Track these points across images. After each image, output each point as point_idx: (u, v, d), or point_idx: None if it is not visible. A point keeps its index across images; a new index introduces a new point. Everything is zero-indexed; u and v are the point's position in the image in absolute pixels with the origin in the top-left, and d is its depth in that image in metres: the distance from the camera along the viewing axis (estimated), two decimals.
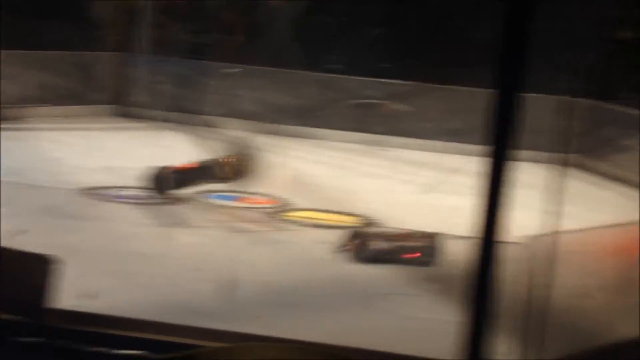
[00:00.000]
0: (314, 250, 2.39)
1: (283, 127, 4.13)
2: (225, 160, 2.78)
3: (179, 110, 4.13)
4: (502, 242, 1.68)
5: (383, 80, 4.18)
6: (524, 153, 3.46)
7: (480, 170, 1.65)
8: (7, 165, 3.11)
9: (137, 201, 2.87)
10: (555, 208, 1.69)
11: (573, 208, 3.24)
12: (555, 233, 1.67)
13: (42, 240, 2.14)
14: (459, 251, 1.91)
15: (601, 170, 3.94)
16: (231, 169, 2.77)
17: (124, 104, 4.33)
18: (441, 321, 1.93)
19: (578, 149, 4.09)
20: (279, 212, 2.88)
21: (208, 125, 4.16)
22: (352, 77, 4.24)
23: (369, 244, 2.35)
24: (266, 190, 3.02)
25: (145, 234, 2.34)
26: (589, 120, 4.09)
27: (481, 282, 1.69)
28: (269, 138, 4.08)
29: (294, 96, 4.24)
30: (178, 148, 3.57)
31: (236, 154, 2.79)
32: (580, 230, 1.88)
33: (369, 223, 2.80)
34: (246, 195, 3.04)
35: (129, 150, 3.64)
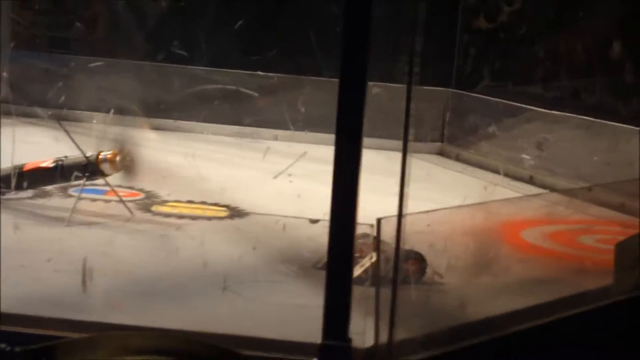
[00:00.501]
0: (177, 241, 2.41)
1: (152, 120, 4.13)
2: (106, 155, 2.73)
3: (43, 105, 4.08)
4: (354, 224, 1.73)
5: (251, 72, 4.22)
6: (380, 141, 3.58)
7: (334, 151, 1.70)
8: None
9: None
10: (406, 192, 1.74)
11: (434, 194, 3.36)
12: (405, 215, 1.73)
13: None
14: (317, 235, 1.96)
15: (465, 158, 4.07)
16: (111, 164, 2.73)
17: None
18: (301, 305, 1.98)
19: (442, 137, 4.22)
20: (146, 204, 2.88)
21: (75, 120, 4.13)
22: (221, 70, 4.26)
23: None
24: (135, 183, 3.01)
25: (16, 226, 2.31)
26: (452, 109, 4.23)
27: (337, 264, 1.74)
28: (138, 131, 4.08)
29: (162, 89, 4.24)
30: (44, 143, 3.52)
31: (116, 149, 2.75)
32: (431, 211, 1.94)
33: (236, 213, 2.83)
34: (113, 189, 3.02)
35: None
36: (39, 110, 3.98)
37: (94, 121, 4.18)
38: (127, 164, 2.71)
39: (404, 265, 1.91)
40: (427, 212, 1.92)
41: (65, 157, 2.81)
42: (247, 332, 1.80)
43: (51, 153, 3.24)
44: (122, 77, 4.23)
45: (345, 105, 1.72)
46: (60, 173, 2.78)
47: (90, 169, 2.73)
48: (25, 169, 2.82)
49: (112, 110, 2.77)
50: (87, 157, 2.71)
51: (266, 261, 2.22)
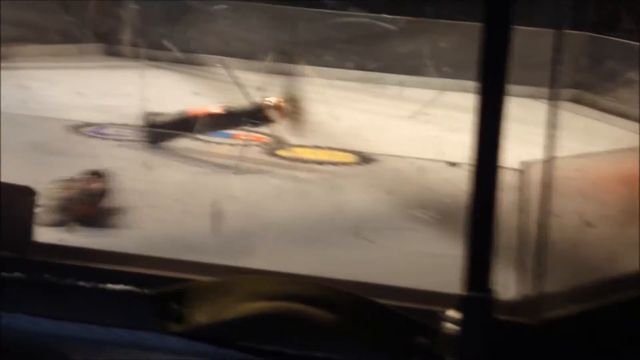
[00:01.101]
0: (306, 186, 2.34)
1: (277, 65, 4.06)
2: (273, 102, 2.67)
3: (169, 49, 4.07)
4: (499, 169, 1.62)
5: (377, 15, 4.10)
6: (520, 88, 3.44)
7: (475, 105, 1.60)
8: None
9: (126, 138, 2.82)
10: (551, 140, 1.63)
11: (572, 143, 3.19)
12: (552, 159, 1.61)
13: (27, 176, 2.08)
14: (455, 179, 1.85)
15: (602, 105, 3.89)
16: (278, 111, 2.66)
17: (112, 42, 4.25)
18: (439, 255, 1.89)
19: (578, 84, 4.04)
20: (273, 149, 2.83)
21: (202, 64, 4.12)
22: (346, 12, 4.16)
23: None
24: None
25: (132, 170, 2.27)
26: (589, 54, 4.04)
27: (481, 212, 1.64)
28: (264, 77, 4.03)
29: (286, 33, 4.16)
30: (171, 86, 3.53)
31: (284, 96, 2.69)
32: (579, 156, 1.82)
33: (364, 158, 2.75)
34: (239, 132, 2.98)
35: (119, 89, 3.58)
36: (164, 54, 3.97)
37: (217, 65, 4.15)
38: (294, 111, 2.65)
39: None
40: (576, 156, 1.80)
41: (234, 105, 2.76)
42: (381, 281, 1.72)
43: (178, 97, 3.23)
44: (245, 20, 4.18)
45: (490, 51, 1.61)
46: (230, 119, 2.73)
47: (258, 115, 2.68)
48: (191, 114, 2.78)
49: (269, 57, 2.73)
50: (255, 104, 2.66)
51: (401, 207, 2.13)
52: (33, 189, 1.68)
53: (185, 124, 2.72)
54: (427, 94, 3.75)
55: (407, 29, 4.13)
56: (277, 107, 2.66)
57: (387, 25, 4.00)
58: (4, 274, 1.67)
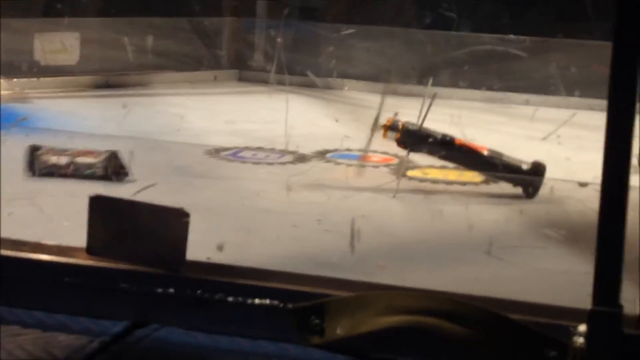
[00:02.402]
0: (436, 205, 2.41)
1: (402, 86, 4.14)
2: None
3: (298, 73, 4.19)
4: (628, 188, 1.67)
5: (502, 35, 4.14)
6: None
7: (605, 124, 1.64)
8: (133, 129, 3.22)
9: (263, 161, 2.94)
10: None
11: None
12: None
13: (172, 198, 2.21)
14: (585, 199, 1.90)
15: None
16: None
17: (244, 68, 4.41)
18: (568, 271, 1.93)
19: None
20: (400, 169, 2.90)
21: (330, 87, 4.22)
22: (470, 34, 4.21)
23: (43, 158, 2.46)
24: (387, 148, 3.04)
25: (271, 191, 2.38)
26: None
27: (610, 229, 1.69)
28: (389, 98, 4.11)
29: (411, 55, 4.24)
30: (301, 110, 3.63)
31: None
32: None
33: (491, 178, 2.79)
34: (367, 153, 3.07)
35: (252, 113, 3.71)
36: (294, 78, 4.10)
37: (346, 88, 4.27)
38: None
39: None
40: None
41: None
42: (512, 296, 1.78)
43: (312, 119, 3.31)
44: (373, 44, 4.27)
45: (619, 69, 1.65)
46: (494, 166, 2.66)
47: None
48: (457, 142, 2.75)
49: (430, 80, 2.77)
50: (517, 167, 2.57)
51: (532, 225, 2.18)
52: (186, 211, 1.80)
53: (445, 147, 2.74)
54: (556, 113, 3.76)
55: (534, 49, 4.15)
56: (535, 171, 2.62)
57: (515, 51, 4.02)
58: (159, 289, 1.80)
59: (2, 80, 3.78)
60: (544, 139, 2.61)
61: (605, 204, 1.68)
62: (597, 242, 1.67)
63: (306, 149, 3.11)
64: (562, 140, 2.76)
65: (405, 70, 4.23)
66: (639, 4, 1.63)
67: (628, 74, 1.66)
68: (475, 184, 2.78)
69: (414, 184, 2.74)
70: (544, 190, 2.21)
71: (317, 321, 1.77)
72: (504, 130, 3.39)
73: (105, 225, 1.84)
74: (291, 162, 2.95)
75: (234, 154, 3.02)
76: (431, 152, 2.71)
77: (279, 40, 4.13)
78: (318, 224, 2.13)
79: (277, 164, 2.92)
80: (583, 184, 2.02)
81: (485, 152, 2.70)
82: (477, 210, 2.38)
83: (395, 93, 4.15)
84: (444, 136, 2.73)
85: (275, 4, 4.44)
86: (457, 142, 2.76)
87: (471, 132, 3.02)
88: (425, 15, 4.17)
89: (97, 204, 1.85)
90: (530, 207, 2.28)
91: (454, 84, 4.23)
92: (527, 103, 4.11)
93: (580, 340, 1.67)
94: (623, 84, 1.67)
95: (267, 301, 1.79)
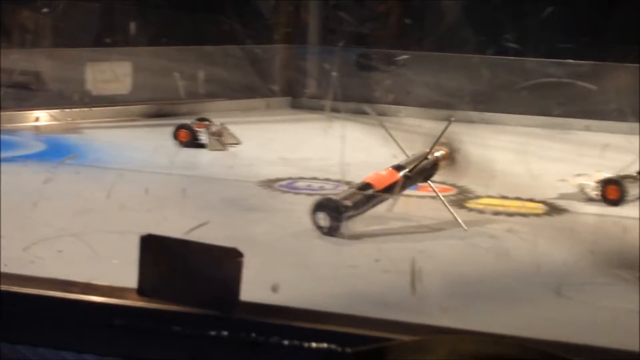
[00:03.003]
0: (499, 240, 2.32)
1: (458, 112, 4.07)
2: (441, 153, 2.64)
3: (352, 99, 4.13)
4: None
5: (559, 60, 4.05)
6: None
7: None
8: (185, 160, 3.19)
9: (317, 192, 2.88)
10: None
11: None
12: None
13: (225, 233, 2.16)
14: None
15: None
16: (447, 163, 2.64)
17: (296, 95, 4.36)
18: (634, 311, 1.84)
19: None
20: (460, 200, 2.82)
21: (382, 114, 4.16)
22: (527, 59, 4.13)
23: None
24: (445, 178, 2.96)
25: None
26: None
27: None
28: (438, 124, 4.04)
29: (467, 81, 4.16)
30: (356, 138, 3.57)
31: (444, 145, 2.67)
32: None
33: (554, 209, 2.71)
34: (425, 184, 2.99)
35: (306, 142, 3.65)
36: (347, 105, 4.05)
37: (401, 114, 4.19)
38: (454, 159, 2.63)
39: None
40: None
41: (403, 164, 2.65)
42: (582, 339, 1.69)
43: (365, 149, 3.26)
44: (428, 70, 4.21)
45: None
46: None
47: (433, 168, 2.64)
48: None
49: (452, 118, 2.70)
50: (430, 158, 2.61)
51: (602, 265, 2.09)
52: (239, 251, 1.74)
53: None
54: (614, 138, 3.66)
55: (592, 73, 4.06)
56: (445, 158, 2.64)
57: (585, 85, 3.93)
58: (212, 332, 1.74)
59: (54, 112, 3.77)
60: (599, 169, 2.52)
61: None
62: None
63: (361, 178, 3.03)
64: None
65: (460, 96, 4.15)
66: None
67: None
68: (537, 215, 2.69)
69: (474, 216, 2.66)
70: (613, 228, 2.12)
71: None
72: (562, 157, 3.29)
73: (157, 265, 1.79)
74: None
75: (288, 185, 2.96)
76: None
77: (330, 68, 4.09)
78: (376, 261, 2.06)
79: (331, 194, 2.85)
80: None
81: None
82: (542, 246, 2.29)
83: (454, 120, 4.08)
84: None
85: (328, 30, 4.40)
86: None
87: (517, 160, 2.95)
88: (481, 41, 4.10)
89: (148, 244, 1.79)
90: (600, 244, 2.18)
91: (516, 110, 4.14)
92: (587, 129, 4.00)
93: None
94: None
95: (325, 345, 1.73)
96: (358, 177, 2.98)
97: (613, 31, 4.00)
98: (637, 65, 3.90)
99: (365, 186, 2.54)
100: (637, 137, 3.57)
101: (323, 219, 2.34)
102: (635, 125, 3.82)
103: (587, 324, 1.81)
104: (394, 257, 2.04)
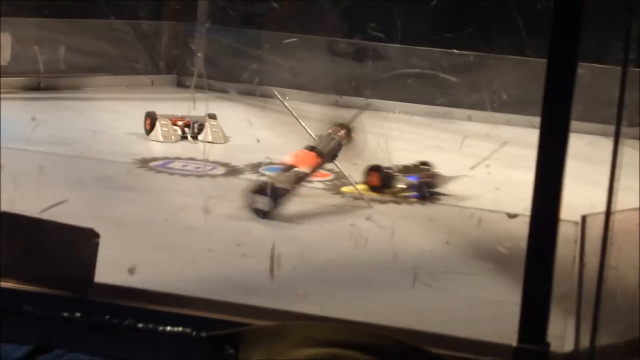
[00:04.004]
0: (365, 226, 2.34)
1: (342, 98, 4.09)
2: (334, 133, 2.66)
3: (237, 80, 4.12)
4: (559, 220, 1.61)
5: (440, 50, 4.10)
6: (584, 125, 3.38)
7: (538, 143, 1.59)
8: (61, 135, 3.12)
9: (192, 173, 2.85)
10: (614, 184, 1.61)
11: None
12: (614, 212, 1.59)
13: (88, 212, 2.12)
14: (515, 229, 1.84)
15: None
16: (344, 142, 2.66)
17: (182, 73, 4.31)
18: (495, 301, 1.87)
19: None
20: (335, 186, 2.83)
21: (267, 96, 4.15)
22: (416, 48, 4.16)
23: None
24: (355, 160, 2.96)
25: (196, 207, 2.29)
26: None
27: (539, 262, 1.64)
28: (328, 109, 4.05)
29: (351, 67, 4.18)
30: (241, 119, 3.55)
31: (343, 127, 2.69)
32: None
33: (428, 199, 2.74)
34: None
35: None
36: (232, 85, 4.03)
37: (287, 98, 4.18)
38: (350, 142, 2.66)
39: None
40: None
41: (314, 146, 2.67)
42: (436, 329, 1.71)
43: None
44: (313, 54, 4.21)
45: (553, 90, 1.59)
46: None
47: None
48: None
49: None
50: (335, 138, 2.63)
51: (459, 255, 2.12)
52: (96, 232, 1.71)
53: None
54: (496, 129, 3.73)
55: (475, 64, 4.12)
56: (345, 138, 2.67)
57: (448, 77, 3.99)
58: (65, 313, 1.71)
59: None
60: (472, 168, 2.57)
61: (534, 237, 1.63)
62: (524, 277, 1.62)
63: (241, 160, 3.02)
64: (493, 162, 2.71)
65: (346, 81, 4.16)
66: (574, 21, 1.58)
67: (562, 97, 1.60)
68: (411, 203, 2.71)
69: (348, 202, 2.67)
70: (472, 220, 2.15)
71: (231, 351, 1.69)
72: (440, 146, 3.33)
73: (10, 243, 1.75)
74: (223, 175, 2.86)
75: (164, 165, 2.92)
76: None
77: (197, 48, 4.06)
78: (239, 246, 2.04)
79: (208, 176, 2.83)
80: (512, 216, 1.97)
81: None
82: (406, 234, 2.31)
83: (336, 104, 4.10)
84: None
85: (218, 9, 4.36)
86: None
87: (399, 148, 2.98)
88: (369, 27, 4.11)
89: (3, 221, 1.75)
90: (458, 235, 2.22)
91: (397, 97, 4.18)
92: (469, 119, 4.06)
93: None
94: (555, 109, 1.61)
95: (180, 329, 1.72)
96: (238, 159, 2.97)
97: (497, 23, 4.06)
98: (519, 57, 3.97)
99: (290, 168, 2.57)
100: (509, 127, 3.65)
101: (262, 203, 2.36)
102: (515, 116, 3.91)
103: (441, 313, 1.83)
104: (256, 242, 2.03)
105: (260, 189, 2.39)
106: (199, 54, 4.01)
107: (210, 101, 3.62)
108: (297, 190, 2.49)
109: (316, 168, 2.64)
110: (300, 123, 2.79)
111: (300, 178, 2.54)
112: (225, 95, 4.06)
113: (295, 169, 2.56)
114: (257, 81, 3.98)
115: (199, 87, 3.79)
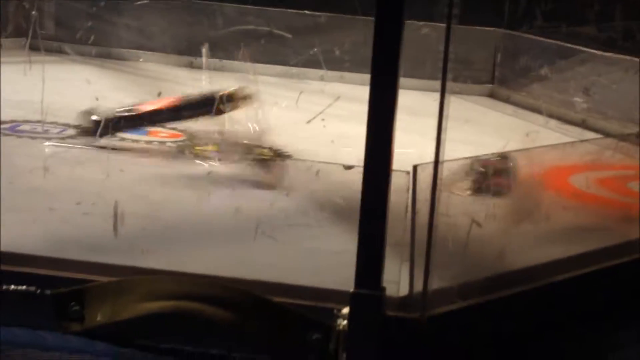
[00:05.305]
0: (211, 183, 2.37)
1: (195, 59, 4.10)
2: (226, 93, 2.69)
3: (92, 43, 4.08)
4: (390, 170, 1.68)
5: (297, 11, 4.15)
6: (428, 82, 3.50)
7: (369, 98, 1.65)
8: None
9: (41, 136, 2.83)
10: (443, 138, 1.69)
11: (483, 137, 3.28)
12: (443, 162, 1.67)
13: None
14: (349, 180, 1.91)
15: (516, 100, 3.98)
16: (232, 103, 2.69)
17: (33, 36, 4.23)
18: (334, 252, 1.94)
19: (492, 79, 4.13)
20: (187, 145, 2.85)
21: (123, 58, 4.13)
22: (267, 8, 4.20)
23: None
24: (175, 124, 2.99)
25: (46, 169, 2.29)
26: (503, 50, 4.12)
27: (372, 212, 1.70)
28: (182, 71, 4.06)
29: (202, 28, 4.18)
30: (93, 82, 3.52)
31: (233, 88, 2.72)
32: (472, 157, 1.88)
33: (279, 154, 2.79)
34: (155, 129, 3.01)
35: (39, 85, 3.56)
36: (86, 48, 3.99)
37: (141, 59, 4.17)
38: (244, 103, 2.69)
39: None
40: (468, 158, 1.86)
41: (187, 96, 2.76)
42: (278, 279, 1.77)
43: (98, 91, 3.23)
44: (161, 17, 4.20)
45: (380, 47, 1.66)
46: (185, 110, 2.74)
47: (210, 106, 2.69)
48: (142, 111, 2.78)
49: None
50: (212, 95, 2.68)
51: (299, 207, 2.18)
52: None
53: (135, 121, 2.74)
54: (342, 87, 3.80)
55: (329, 25, 4.18)
56: (230, 98, 2.71)
57: (282, 33, 4.05)
58: None
59: None
60: (308, 122, 2.64)
61: (367, 187, 1.69)
62: (359, 226, 1.69)
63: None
64: (336, 118, 2.78)
65: (200, 42, 4.16)
66: None
67: (390, 53, 1.67)
68: (264, 160, 2.75)
69: (199, 161, 2.69)
70: (311, 172, 2.22)
71: (76, 308, 1.72)
72: (288, 106, 3.38)
73: None
74: (72, 137, 2.85)
75: (12, 128, 2.89)
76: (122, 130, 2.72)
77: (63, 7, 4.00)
78: (87, 205, 2.05)
79: (57, 139, 2.81)
80: (348, 167, 2.04)
81: (179, 102, 2.76)
82: (249, 190, 2.36)
83: (191, 66, 4.11)
84: (128, 109, 2.74)
85: None
86: (142, 110, 2.79)
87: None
88: None
89: None
90: (298, 188, 2.28)
91: (252, 59, 4.19)
92: (322, 79, 4.13)
93: (343, 322, 1.69)
94: (385, 64, 1.68)
95: (23, 287, 1.73)
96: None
97: None
98: (369, 18, 4.05)
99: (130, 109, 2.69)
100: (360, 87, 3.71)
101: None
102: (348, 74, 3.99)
103: (282, 264, 1.89)
104: (101, 200, 2.04)
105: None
106: (33, 12, 3.94)
107: (52, 63, 3.59)
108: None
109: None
110: None
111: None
112: (77, 58, 4.01)
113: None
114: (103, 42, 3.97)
115: (40, 49, 3.73)
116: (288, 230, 2.02)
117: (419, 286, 1.74)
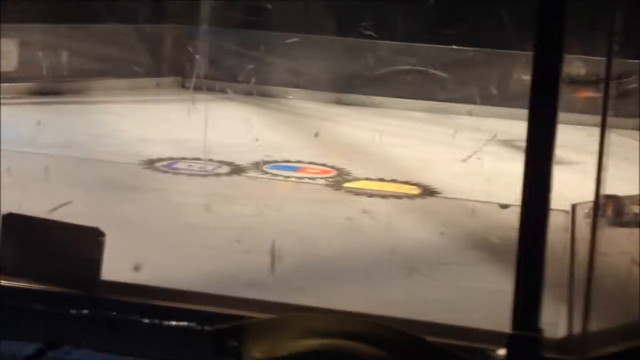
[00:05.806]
0: (365, 222, 2.38)
1: (345, 95, 4.13)
2: None
3: (243, 81, 4.16)
4: (549, 209, 1.66)
5: (440, 46, 4.13)
6: (579, 117, 3.43)
7: (527, 135, 1.63)
8: (66, 138, 3.17)
9: (197, 173, 2.90)
10: (603, 172, 1.65)
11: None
12: (602, 199, 1.63)
13: (94, 212, 2.17)
14: (510, 219, 1.89)
15: None
16: None
17: (186, 76, 4.36)
18: (490, 291, 1.92)
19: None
20: (338, 182, 2.87)
21: (273, 96, 4.20)
22: (415, 45, 4.20)
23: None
24: (325, 160, 3.01)
25: (200, 205, 2.35)
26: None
27: (529, 251, 1.68)
28: (331, 107, 4.10)
29: (355, 65, 4.22)
30: (245, 119, 3.60)
31: None
32: (633, 196, 1.83)
33: (427, 192, 2.78)
34: (305, 165, 3.04)
35: (193, 122, 3.65)
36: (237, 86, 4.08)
37: (290, 97, 4.24)
38: None
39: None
40: (629, 197, 1.81)
41: None
42: (433, 318, 1.76)
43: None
44: (314, 53, 4.25)
45: (540, 82, 1.64)
46: None
47: None
48: None
49: None
50: None
51: (454, 246, 2.16)
52: (101, 231, 1.76)
53: None
54: (494, 123, 3.76)
55: (475, 59, 4.15)
56: None
57: (439, 73, 4.03)
58: (73, 310, 1.76)
59: None
60: (464, 161, 2.62)
61: (525, 227, 1.67)
62: (516, 266, 1.66)
63: (244, 160, 3.07)
64: (489, 154, 2.75)
65: (350, 79, 4.21)
66: (558, 14, 1.62)
67: (549, 88, 1.64)
68: (411, 197, 2.76)
69: (350, 197, 2.72)
70: (466, 211, 2.20)
71: (234, 344, 1.74)
72: (439, 141, 3.37)
73: (18, 243, 1.80)
74: (226, 174, 2.91)
75: (169, 165, 2.97)
76: None
77: (194, 50, 4.11)
78: (244, 242, 2.09)
79: (212, 175, 2.88)
80: (504, 206, 2.01)
81: None
82: (404, 227, 2.36)
83: (339, 102, 4.15)
84: None
85: (220, 11, 4.40)
86: None
87: (400, 144, 3.01)
88: (370, 25, 4.15)
89: (10, 222, 1.81)
90: (453, 226, 2.26)
91: (398, 94, 4.21)
92: (470, 114, 4.10)
93: None
94: (543, 99, 1.66)
95: (184, 323, 1.76)
96: (241, 158, 3.02)
97: (488, 18, 4.09)
98: (520, 52, 4.00)
99: None
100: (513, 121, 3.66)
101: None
102: (515, 110, 3.93)
103: (437, 302, 1.88)
104: (258, 237, 2.07)
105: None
106: (197, 56, 4.06)
107: (211, 102, 3.68)
108: None
109: None
110: None
111: None
112: (226, 96, 4.11)
113: None
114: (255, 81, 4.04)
115: (200, 89, 3.84)
116: (442, 269, 2.01)
117: (577, 327, 1.70)
